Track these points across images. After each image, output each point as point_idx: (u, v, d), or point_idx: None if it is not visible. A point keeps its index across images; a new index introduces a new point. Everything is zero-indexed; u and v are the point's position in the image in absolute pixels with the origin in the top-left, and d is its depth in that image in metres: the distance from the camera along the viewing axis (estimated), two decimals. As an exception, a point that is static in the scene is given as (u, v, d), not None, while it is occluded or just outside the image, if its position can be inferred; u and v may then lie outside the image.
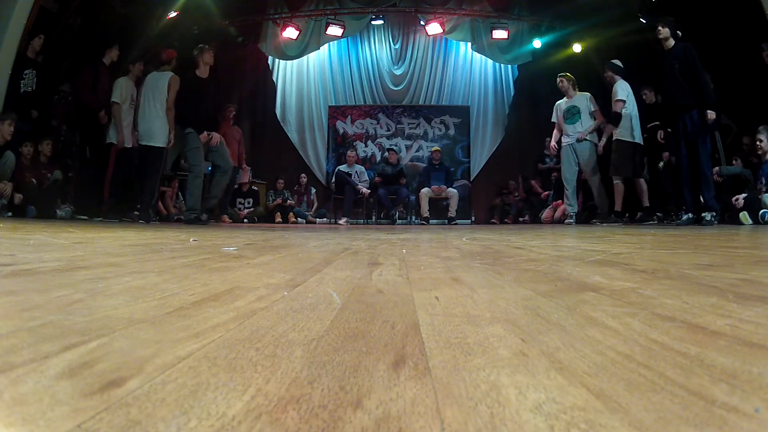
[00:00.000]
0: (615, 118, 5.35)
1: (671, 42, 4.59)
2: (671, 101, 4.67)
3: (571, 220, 5.83)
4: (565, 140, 5.80)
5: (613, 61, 5.64)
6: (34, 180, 5.10)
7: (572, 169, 5.79)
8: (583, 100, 5.76)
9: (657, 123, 5.60)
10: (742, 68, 5.44)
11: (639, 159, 5.59)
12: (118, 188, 5.40)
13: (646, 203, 5.56)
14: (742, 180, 5.05)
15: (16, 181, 4.88)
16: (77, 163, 5.74)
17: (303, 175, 8.49)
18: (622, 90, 5.35)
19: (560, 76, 5.93)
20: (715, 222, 4.43)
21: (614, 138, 5.39)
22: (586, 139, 5.67)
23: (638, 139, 5.45)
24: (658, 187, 5.71)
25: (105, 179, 5.37)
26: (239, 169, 6.58)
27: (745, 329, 0.41)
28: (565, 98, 5.90)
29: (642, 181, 5.54)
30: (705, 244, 1.65)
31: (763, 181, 4.70)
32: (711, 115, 4.36)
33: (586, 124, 5.68)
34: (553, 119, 5.98)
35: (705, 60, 4.61)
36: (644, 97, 5.80)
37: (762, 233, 2.58)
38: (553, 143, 5.98)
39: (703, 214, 4.45)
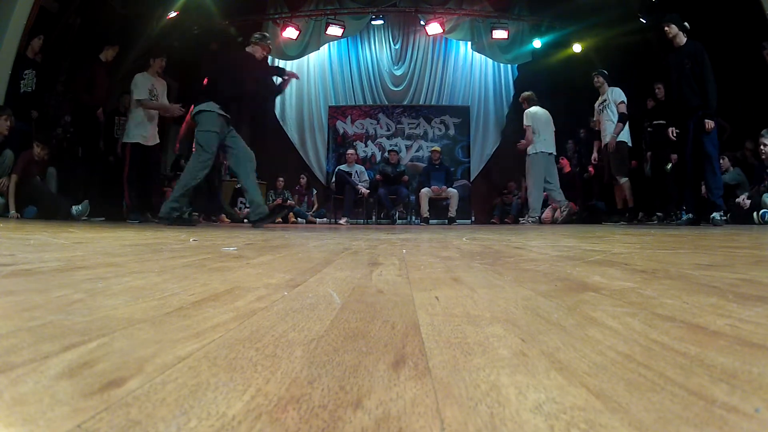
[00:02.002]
0: (624, 119, 5.62)
1: (682, 39, 4.44)
2: (681, 101, 4.50)
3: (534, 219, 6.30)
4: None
5: (601, 69, 6.03)
6: (38, 177, 5.10)
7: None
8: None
9: (663, 122, 5.68)
10: (742, 68, 5.45)
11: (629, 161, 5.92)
12: (137, 188, 5.22)
13: (631, 204, 5.82)
14: (735, 185, 5.03)
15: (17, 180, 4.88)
16: (69, 161, 5.72)
17: (303, 175, 8.49)
18: (622, 94, 5.67)
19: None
20: (722, 223, 4.20)
21: (617, 140, 5.65)
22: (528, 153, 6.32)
23: (629, 141, 5.82)
24: (662, 187, 5.79)
25: (122, 180, 5.14)
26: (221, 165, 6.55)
27: (745, 329, 0.41)
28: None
29: (626, 181, 5.78)
30: (705, 244, 1.65)
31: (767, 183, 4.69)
32: (709, 124, 4.27)
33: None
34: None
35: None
36: (657, 91, 5.90)
37: (762, 233, 2.58)
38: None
39: (712, 215, 4.22)
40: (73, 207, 4.98)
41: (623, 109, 5.59)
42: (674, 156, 5.67)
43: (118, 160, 5.91)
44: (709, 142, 4.30)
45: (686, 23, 4.47)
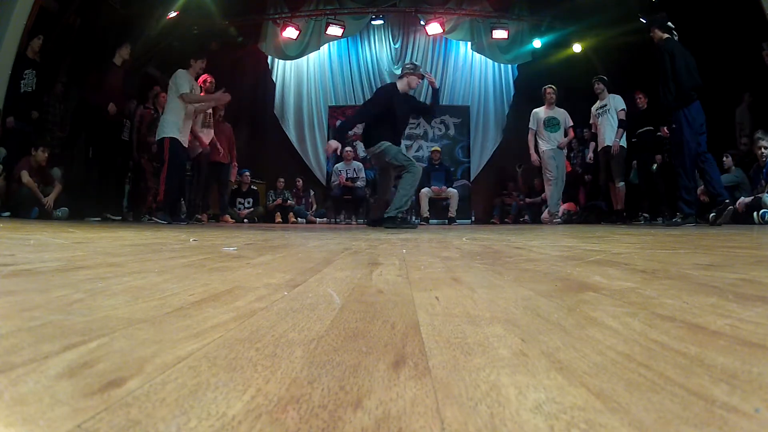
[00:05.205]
0: (625, 125, 5.77)
1: (662, 37, 4.17)
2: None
3: (558, 219, 6.11)
4: (547, 146, 6.03)
5: (601, 76, 6.12)
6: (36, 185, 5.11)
7: (558, 170, 6.08)
8: (562, 113, 6.12)
9: (650, 128, 5.78)
10: (742, 68, 5.45)
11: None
12: (174, 187, 5.01)
13: (622, 206, 5.93)
14: (733, 186, 5.01)
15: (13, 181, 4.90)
16: (78, 162, 5.72)
17: (299, 179, 8.47)
18: (622, 101, 5.85)
19: (551, 87, 6.18)
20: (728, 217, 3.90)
21: (618, 146, 5.78)
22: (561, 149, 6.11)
23: (625, 144, 5.94)
24: (652, 189, 5.87)
25: (160, 176, 4.94)
26: (229, 165, 6.55)
27: (745, 329, 0.41)
28: (544, 108, 6.14)
29: (622, 185, 5.91)
30: (705, 244, 1.64)
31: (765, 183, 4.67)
32: (663, 131, 4.10)
33: (562, 135, 6.07)
34: (532, 126, 6.16)
35: (703, 59, 4.55)
36: (638, 100, 5.96)
37: (762, 233, 2.58)
38: (534, 155, 6.18)
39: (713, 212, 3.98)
40: (54, 211, 5.01)
41: (623, 116, 5.77)
42: (659, 156, 5.81)
43: (124, 162, 5.94)
44: (683, 141, 3.92)
45: (670, 23, 4.21)
